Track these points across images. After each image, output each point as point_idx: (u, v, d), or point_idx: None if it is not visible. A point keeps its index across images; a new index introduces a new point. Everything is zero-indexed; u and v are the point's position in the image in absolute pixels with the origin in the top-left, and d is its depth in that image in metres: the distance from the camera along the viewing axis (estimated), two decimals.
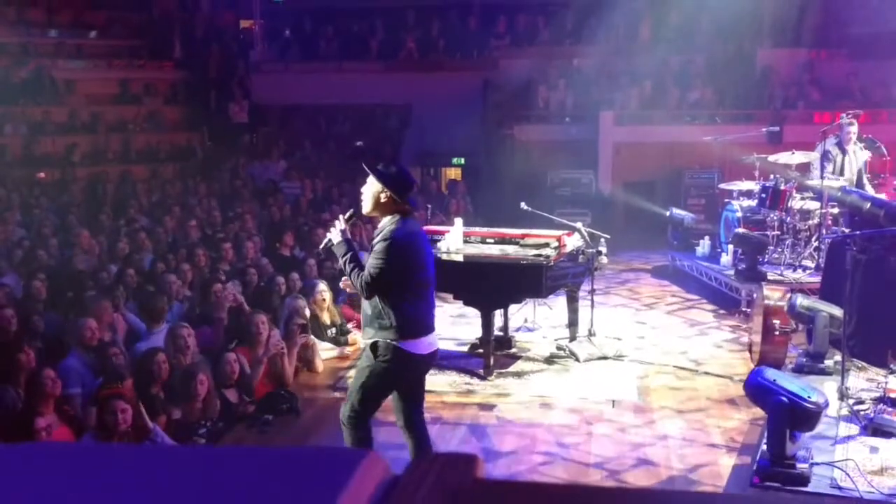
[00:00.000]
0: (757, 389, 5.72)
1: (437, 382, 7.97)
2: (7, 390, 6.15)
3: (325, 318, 8.79)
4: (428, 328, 5.34)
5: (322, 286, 8.86)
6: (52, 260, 9.79)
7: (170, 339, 7.12)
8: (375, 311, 5.21)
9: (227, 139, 17.27)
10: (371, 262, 5.18)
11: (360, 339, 9.11)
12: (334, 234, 5.39)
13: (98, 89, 17.47)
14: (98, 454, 0.99)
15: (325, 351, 8.51)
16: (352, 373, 8.26)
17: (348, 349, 8.94)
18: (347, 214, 5.51)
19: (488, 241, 8.97)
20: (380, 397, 5.40)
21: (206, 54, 18.87)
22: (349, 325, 9.23)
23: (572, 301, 8.99)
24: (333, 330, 8.90)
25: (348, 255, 5.29)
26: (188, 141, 17.51)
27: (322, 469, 0.92)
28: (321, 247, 5.99)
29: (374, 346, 5.24)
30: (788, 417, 5.45)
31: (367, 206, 5.34)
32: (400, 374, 5.30)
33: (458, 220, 9.26)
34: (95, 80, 17.47)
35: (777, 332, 7.83)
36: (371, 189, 5.28)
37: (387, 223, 5.25)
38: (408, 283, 5.22)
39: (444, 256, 8.52)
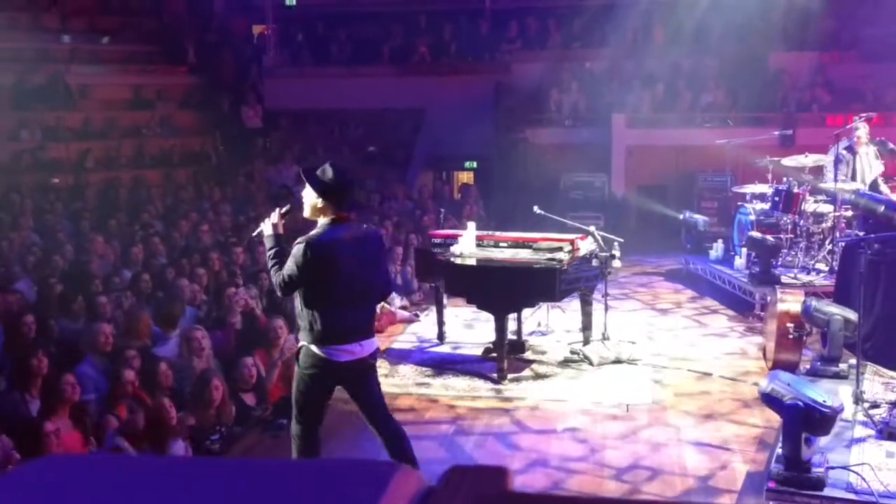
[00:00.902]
0: (771, 393, 5.71)
1: (451, 387, 7.99)
2: (20, 396, 6.19)
3: None
4: (349, 335, 5.25)
5: None
6: (66, 265, 9.83)
7: (184, 341, 7.15)
8: (298, 313, 5.27)
9: (241, 144, 17.32)
10: (287, 263, 5.18)
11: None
12: (266, 226, 5.40)
13: (112, 95, 17.56)
14: (132, 466, 1.01)
15: None
16: None
17: None
18: (284, 209, 5.49)
19: (501, 244, 8.98)
20: (312, 402, 5.34)
21: (220, 59, 18.95)
22: None
23: (586, 305, 8.98)
24: None
25: (273, 251, 5.30)
26: (201, 146, 17.57)
27: (356, 482, 0.94)
28: (253, 234, 6.06)
29: (297, 351, 5.31)
30: (803, 421, 5.44)
31: (305, 211, 5.36)
32: (321, 379, 5.27)
33: (471, 224, 9.27)
34: (109, 85, 17.55)
35: (791, 336, 7.81)
36: (307, 195, 5.31)
37: (316, 227, 5.28)
38: (327, 290, 5.18)
39: (457, 260, 8.55)
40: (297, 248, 5.14)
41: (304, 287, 5.18)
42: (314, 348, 5.19)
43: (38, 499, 0.92)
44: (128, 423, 5.65)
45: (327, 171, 5.26)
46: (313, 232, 5.23)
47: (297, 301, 5.27)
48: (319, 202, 5.25)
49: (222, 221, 12.84)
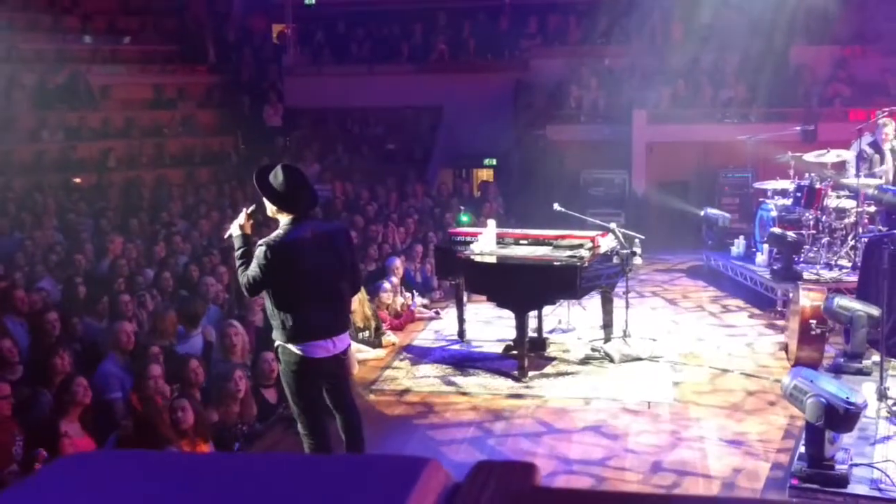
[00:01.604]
0: (794, 390, 5.68)
1: (471, 384, 7.99)
2: (43, 394, 6.25)
3: (357, 320, 8.80)
4: (322, 333, 5.31)
5: None
6: (89, 264, 9.90)
7: (218, 338, 7.21)
8: (269, 312, 5.34)
9: (261, 143, 17.39)
10: (251, 264, 5.24)
11: (395, 339, 9.24)
12: (234, 227, 5.45)
13: (132, 94, 17.67)
14: (169, 462, 1.02)
15: (359, 353, 8.54)
16: (386, 374, 8.34)
17: (383, 351, 8.99)
18: (250, 209, 5.54)
19: (521, 242, 8.98)
20: (305, 396, 5.39)
21: (240, 59, 19.03)
22: (383, 328, 9.28)
23: (607, 302, 8.97)
24: (366, 333, 8.93)
25: (241, 251, 5.36)
26: (222, 145, 17.65)
27: (386, 477, 0.95)
28: (225, 236, 6.17)
29: (276, 350, 5.39)
30: (827, 418, 5.41)
31: (268, 211, 5.43)
32: (301, 374, 5.32)
33: (491, 222, 9.27)
34: (130, 85, 17.68)
35: (814, 332, 7.77)
36: (264, 197, 5.37)
37: (278, 228, 5.33)
38: (293, 289, 5.23)
39: (477, 258, 8.55)
40: (259, 250, 5.20)
41: (271, 287, 5.23)
42: (290, 346, 5.27)
43: (76, 492, 0.94)
44: (124, 428, 5.67)
45: (278, 175, 5.29)
46: (274, 233, 5.28)
47: (267, 302, 5.33)
48: (273, 205, 5.32)
49: None
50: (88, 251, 10.25)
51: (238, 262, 5.37)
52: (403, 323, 9.89)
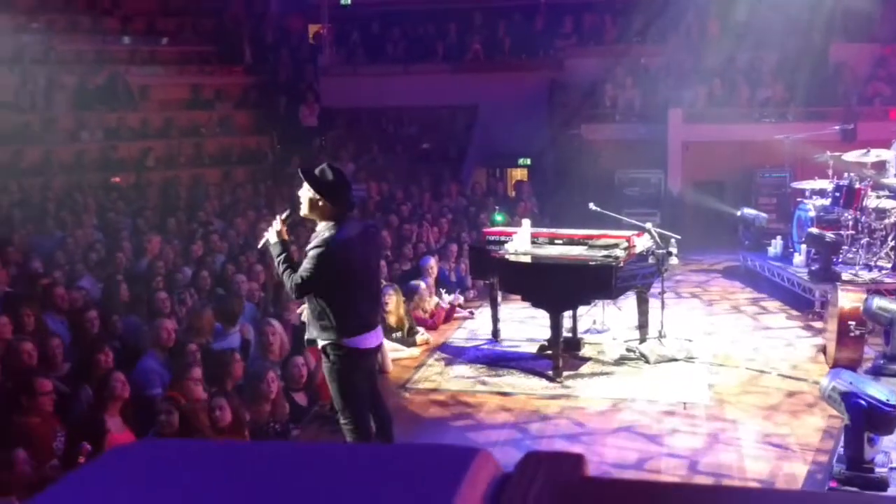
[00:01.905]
0: (832, 392, 5.63)
1: (506, 384, 7.99)
2: (84, 390, 6.34)
3: (391, 320, 8.83)
4: (369, 325, 5.54)
5: (388, 290, 8.89)
6: (128, 263, 10.02)
7: (257, 336, 7.28)
8: (316, 312, 5.41)
9: (297, 143, 17.50)
10: (304, 265, 5.32)
11: (429, 338, 9.27)
12: (271, 234, 5.53)
13: (170, 95, 17.87)
14: (219, 451, 1.04)
15: (393, 352, 8.57)
16: (420, 373, 8.36)
17: (417, 350, 9.01)
18: (284, 215, 5.61)
19: (556, 242, 8.95)
20: (353, 393, 5.55)
21: (276, 59, 19.16)
22: (417, 328, 9.31)
23: (642, 302, 8.92)
24: (400, 332, 8.96)
25: (282, 256, 5.45)
26: (259, 145, 17.79)
27: (437, 466, 0.96)
28: (259, 245, 6.22)
29: (324, 350, 5.48)
30: (866, 420, 5.35)
31: (304, 209, 5.48)
32: (352, 367, 5.49)
33: (526, 222, 9.26)
34: (168, 85, 17.88)
35: (852, 334, 7.69)
36: (307, 194, 5.42)
37: (323, 228, 5.40)
38: (345, 286, 5.38)
39: (512, 258, 8.55)
40: (317, 251, 5.29)
41: (323, 286, 5.33)
42: (342, 341, 5.40)
43: (128, 481, 0.96)
44: (162, 424, 5.74)
45: (326, 173, 5.39)
46: (327, 235, 5.34)
47: (314, 303, 5.41)
48: (319, 201, 5.39)
49: None
50: (127, 250, 10.37)
51: (282, 267, 5.43)
52: (437, 322, 9.90)
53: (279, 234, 5.50)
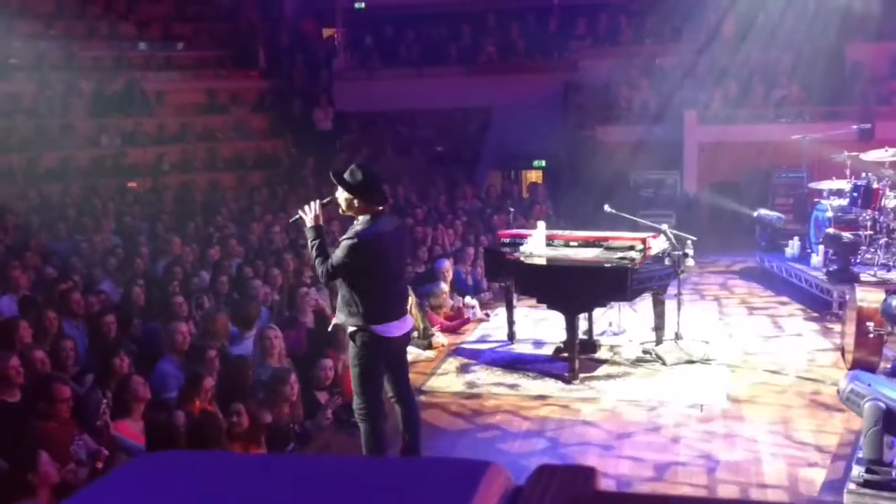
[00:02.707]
0: (851, 394, 5.59)
1: (521, 386, 7.99)
2: (98, 393, 6.36)
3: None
4: (395, 313, 5.81)
5: None
6: (146, 267, 10.07)
7: (257, 340, 7.29)
8: (345, 298, 5.71)
9: (312, 146, 17.55)
10: (336, 254, 5.63)
11: (444, 341, 9.27)
12: (308, 218, 5.77)
13: (186, 100, 17.95)
14: (241, 463, 1.05)
15: (408, 355, 8.54)
16: (436, 375, 8.36)
17: (432, 352, 9.02)
18: (326, 200, 5.89)
19: (571, 244, 8.95)
20: (373, 378, 5.78)
21: (291, 63, 19.23)
22: (433, 329, 9.32)
23: (658, 304, 8.89)
24: (415, 334, 8.96)
25: (316, 242, 5.73)
26: (274, 149, 17.85)
27: (448, 480, 0.96)
28: (291, 220, 6.54)
29: (352, 335, 5.73)
30: (885, 422, 5.32)
31: (342, 208, 5.79)
32: (377, 353, 5.73)
33: (541, 224, 9.25)
34: (184, 90, 17.95)
35: (871, 335, 7.62)
36: (342, 195, 5.72)
37: (358, 223, 5.73)
38: (374, 276, 5.68)
39: (527, 260, 8.54)
40: (348, 243, 5.59)
41: (354, 275, 5.63)
42: (368, 327, 5.65)
43: (154, 490, 0.97)
44: (175, 430, 5.77)
45: (356, 174, 5.70)
46: (359, 227, 5.67)
47: (345, 290, 5.72)
48: (354, 201, 5.69)
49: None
50: (145, 255, 10.43)
51: (315, 252, 5.73)
52: (455, 326, 9.90)
53: (315, 219, 5.76)
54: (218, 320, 7.64)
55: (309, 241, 5.81)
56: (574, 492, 0.94)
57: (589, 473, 0.98)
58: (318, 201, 5.83)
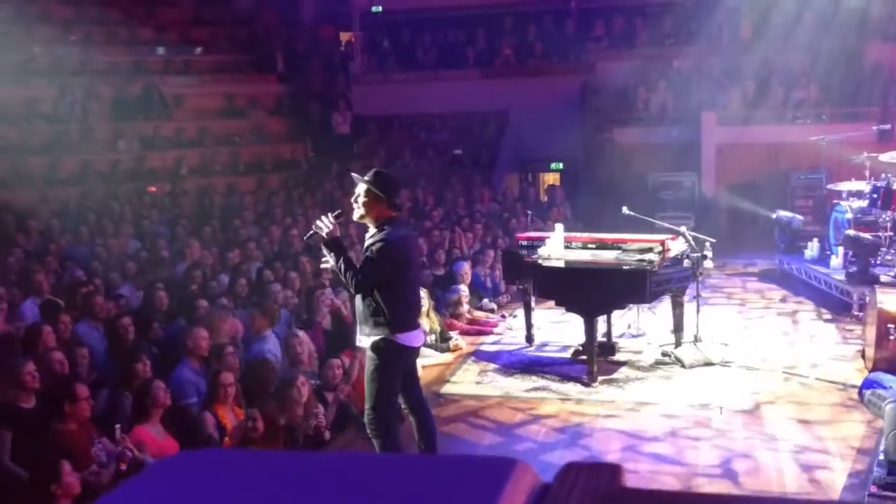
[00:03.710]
0: (871, 395, 5.56)
1: (540, 389, 7.99)
2: (125, 397, 6.42)
3: (424, 324, 8.84)
4: (416, 322, 5.80)
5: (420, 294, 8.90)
6: (166, 271, 10.12)
7: (284, 350, 7.33)
8: (371, 308, 5.56)
9: (330, 150, 17.60)
10: (368, 261, 5.54)
11: (463, 344, 9.28)
12: (322, 231, 5.58)
13: (205, 104, 18.05)
14: (272, 461, 1.07)
15: (425, 357, 8.58)
16: (454, 378, 8.37)
17: (450, 355, 9.03)
18: (336, 213, 5.71)
19: (589, 246, 8.92)
20: (389, 390, 5.69)
21: (309, 67, 19.30)
22: (451, 333, 9.33)
23: (677, 306, 8.86)
24: (433, 337, 8.98)
25: (342, 256, 5.55)
26: (292, 152, 17.91)
27: (477, 477, 0.97)
28: (306, 237, 6.45)
29: (375, 345, 5.59)
30: None
31: (358, 213, 5.67)
32: (397, 364, 5.68)
33: (559, 226, 9.24)
34: (202, 95, 18.05)
35: (892, 337, 7.58)
36: (362, 198, 5.60)
37: (377, 229, 5.60)
38: (400, 283, 5.63)
39: (545, 263, 8.53)
40: (380, 246, 5.50)
41: (381, 283, 5.52)
42: (394, 338, 5.57)
43: (187, 489, 0.98)
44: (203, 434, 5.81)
45: (383, 176, 5.73)
46: (386, 232, 5.55)
47: (370, 300, 5.55)
48: (378, 204, 5.58)
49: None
50: (165, 258, 10.48)
51: (343, 265, 5.52)
52: (475, 331, 9.88)
53: (332, 232, 5.59)
54: (223, 322, 7.64)
55: (332, 259, 5.60)
56: (601, 488, 0.95)
57: (615, 470, 0.99)
58: (330, 215, 5.65)
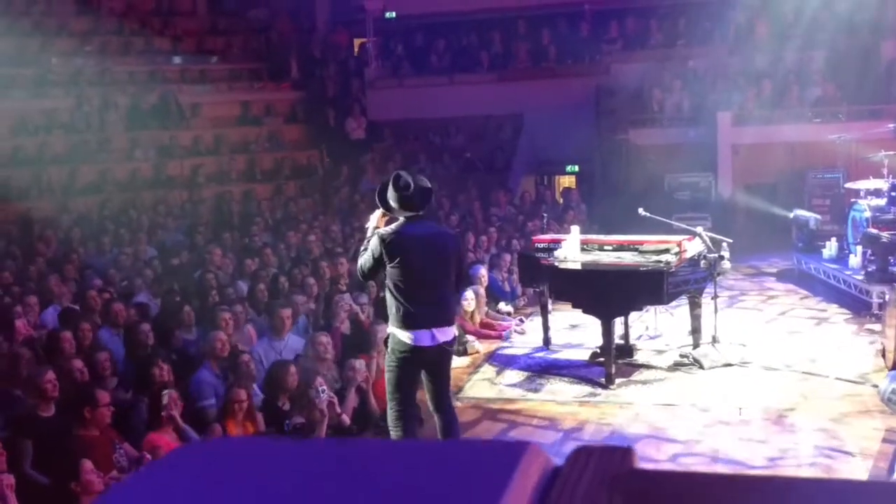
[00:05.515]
0: (892, 395, 5.53)
1: (558, 392, 7.99)
2: (143, 402, 6.46)
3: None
4: (427, 322, 5.72)
5: None
6: (184, 279, 10.18)
7: (310, 347, 7.38)
8: (387, 301, 5.83)
9: (346, 156, 17.67)
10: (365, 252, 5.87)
11: (480, 348, 9.28)
12: (371, 221, 5.95)
13: (221, 112, 18.16)
14: (283, 448, 1.08)
15: None
16: (471, 381, 8.38)
17: (467, 358, 9.03)
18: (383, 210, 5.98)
19: (606, 248, 8.91)
20: (404, 384, 5.78)
21: (323, 74, 19.38)
22: (467, 336, 9.32)
23: (695, 307, 8.83)
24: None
25: (366, 241, 5.91)
26: (308, 159, 18.00)
27: (487, 461, 0.98)
28: (366, 225, 6.56)
29: (385, 340, 5.88)
30: None
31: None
32: (404, 360, 5.74)
33: (575, 228, 9.24)
34: (218, 103, 18.16)
35: None
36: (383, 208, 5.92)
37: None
38: (402, 280, 5.70)
39: (562, 265, 8.53)
40: (372, 239, 5.80)
41: (386, 275, 5.75)
42: (398, 333, 5.70)
43: (197, 477, 1.00)
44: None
45: (397, 181, 5.79)
46: (389, 227, 5.82)
47: (385, 293, 5.88)
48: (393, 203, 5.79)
49: (331, 231, 13.14)
50: (183, 265, 10.55)
51: (362, 251, 5.93)
52: (483, 335, 9.84)
53: (374, 226, 5.92)
54: (246, 328, 7.69)
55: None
56: (612, 470, 0.96)
57: (627, 452, 1.00)
58: (379, 211, 5.93)
